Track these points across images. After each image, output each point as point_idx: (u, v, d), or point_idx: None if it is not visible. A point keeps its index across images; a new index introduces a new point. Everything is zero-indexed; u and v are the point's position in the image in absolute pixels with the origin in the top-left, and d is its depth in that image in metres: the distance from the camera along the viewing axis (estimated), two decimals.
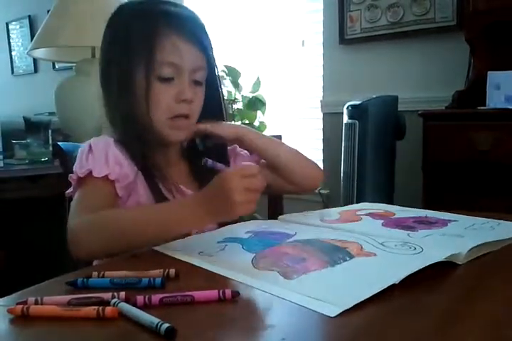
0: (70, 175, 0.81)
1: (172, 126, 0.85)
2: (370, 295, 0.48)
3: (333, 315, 0.45)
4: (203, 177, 0.88)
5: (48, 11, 2.18)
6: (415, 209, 0.89)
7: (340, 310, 0.46)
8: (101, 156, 0.80)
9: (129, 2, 0.88)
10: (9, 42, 4.99)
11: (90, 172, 0.78)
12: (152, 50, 0.82)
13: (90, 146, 0.82)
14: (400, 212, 0.86)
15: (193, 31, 0.84)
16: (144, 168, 0.84)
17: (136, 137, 0.84)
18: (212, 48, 0.88)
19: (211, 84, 0.90)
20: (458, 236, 0.69)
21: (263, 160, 0.95)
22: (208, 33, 0.88)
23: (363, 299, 0.47)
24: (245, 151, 0.98)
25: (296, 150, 0.96)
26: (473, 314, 0.47)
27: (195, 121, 0.89)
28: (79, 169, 0.79)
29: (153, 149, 0.87)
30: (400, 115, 2.00)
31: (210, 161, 0.74)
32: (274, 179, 0.92)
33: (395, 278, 0.51)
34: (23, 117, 1.98)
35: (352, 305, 0.46)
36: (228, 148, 0.97)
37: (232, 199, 0.64)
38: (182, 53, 0.82)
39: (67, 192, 0.83)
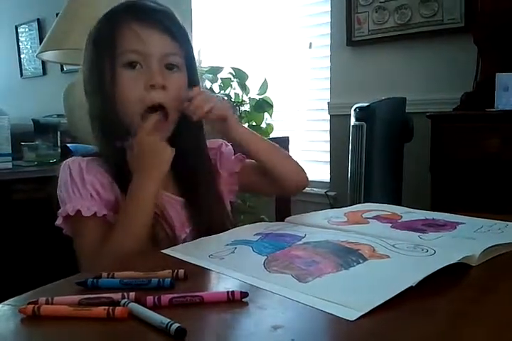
0: (59, 211, 0.80)
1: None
2: (389, 298, 0.48)
3: (352, 319, 0.45)
4: (185, 180, 0.88)
5: (57, 15, 2.19)
6: (420, 210, 0.89)
7: (360, 314, 0.45)
8: (84, 189, 0.80)
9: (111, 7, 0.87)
10: (18, 45, 5.03)
11: (79, 211, 0.78)
12: (114, 40, 0.81)
13: (71, 175, 0.81)
14: (406, 214, 0.86)
15: (158, 19, 0.82)
16: (121, 179, 0.82)
17: (111, 141, 0.83)
18: (185, 36, 0.85)
19: (189, 73, 0.87)
20: (469, 238, 0.69)
21: (248, 160, 0.95)
22: (179, 22, 0.85)
23: (381, 302, 0.47)
24: (229, 148, 0.96)
25: (278, 147, 0.94)
26: (486, 316, 0.47)
27: (173, 117, 0.84)
28: (67, 205, 0.79)
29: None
30: (408, 117, 1.99)
31: None
32: (257, 180, 0.94)
33: (412, 280, 0.50)
34: (32, 119, 1.99)
35: (371, 308, 0.46)
36: (213, 146, 0.94)
37: (153, 147, 0.79)
38: (145, 40, 0.80)
39: (57, 223, 0.82)
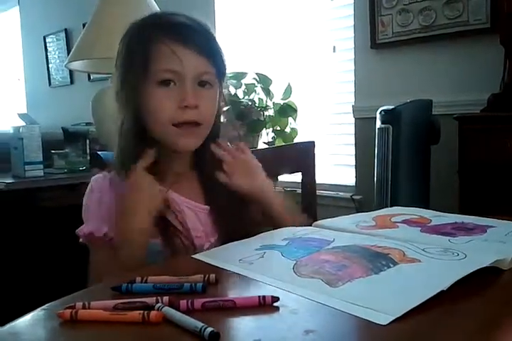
0: (77, 231, 0.84)
1: (179, 133, 0.83)
2: (421, 302, 0.48)
3: (385, 323, 0.45)
4: (212, 189, 0.88)
5: (84, 25, 2.24)
6: (450, 214, 0.88)
7: (392, 318, 0.45)
8: (98, 210, 0.83)
9: (141, 17, 0.88)
10: (46, 55, 5.15)
11: (91, 233, 0.82)
12: (149, 58, 0.81)
13: (91, 195, 0.84)
14: (435, 217, 0.85)
15: (193, 37, 0.82)
16: None
17: (139, 150, 0.83)
18: (219, 53, 0.86)
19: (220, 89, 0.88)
20: (500, 242, 0.68)
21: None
22: (215, 39, 0.86)
23: (413, 306, 0.47)
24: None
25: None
26: None
27: (208, 127, 0.86)
28: (82, 227, 0.83)
29: (160, 164, 0.85)
30: (435, 119, 1.97)
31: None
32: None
33: (443, 284, 0.50)
34: (62, 128, 2.04)
35: (403, 312, 0.46)
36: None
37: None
38: (181, 59, 0.80)
39: (80, 241, 0.85)
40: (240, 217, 0.88)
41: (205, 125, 0.85)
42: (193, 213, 0.86)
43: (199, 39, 0.83)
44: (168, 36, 0.81)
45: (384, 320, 0.45)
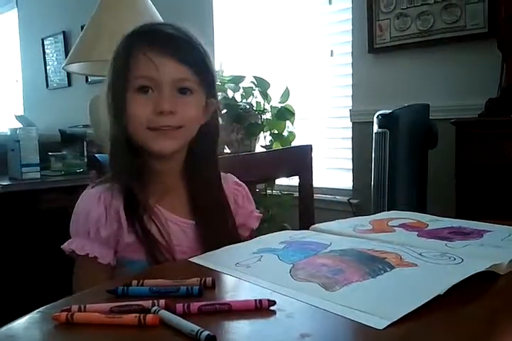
0: (62, 246, 0.82)
1: (155, 137, 0.82)
2: (417, 306, 0.48)
3: (381, 328, 0.45)
4: (199, 202, 0.87)
5: (82, 27, 2.24)
6: (447, 218, 0.88)
7: (389, 323, 0.45)
8: (84, 226, 0.82)
9: (134, 27, 0.88)
10: (44, 57, 5.14)
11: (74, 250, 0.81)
12: (129, 66, 0.82)
13: (78, 210, 0.83)
14: (432, 222, 0.85)
15: (173, 46, 0.82)
16: (130, 205, 0.82)
17: (124, 160, 0.84)
18: (202, 62, 0.85)
19: (208, 95, 0.88)
20: (496, 246, 0.68)
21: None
22: (199, 48, 0.85)
23: (409, 311, 0.47)
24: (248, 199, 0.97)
25: None
26: None
27: (190, 130, 0.85)
28: (66, 243, 0.82)
29: (148, 176, 0.85)
30: (432, 123, 1.98)
31: None
32: None
33: (440, 289, 0.50)
34: (59, 130, 2.04)
35: (399, 317, 0.46)
36: (229, 181, 0.95)
37: None
38: (157, 66, 0.80)
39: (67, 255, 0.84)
40: (225, 232, 0.87)
41: (185, 127, 0.84)
42: (179, 228, 0.85)
43: (179, 47, 0.83)
44: (148, 45, 0.82)
45: (380, 324, 0.45)
